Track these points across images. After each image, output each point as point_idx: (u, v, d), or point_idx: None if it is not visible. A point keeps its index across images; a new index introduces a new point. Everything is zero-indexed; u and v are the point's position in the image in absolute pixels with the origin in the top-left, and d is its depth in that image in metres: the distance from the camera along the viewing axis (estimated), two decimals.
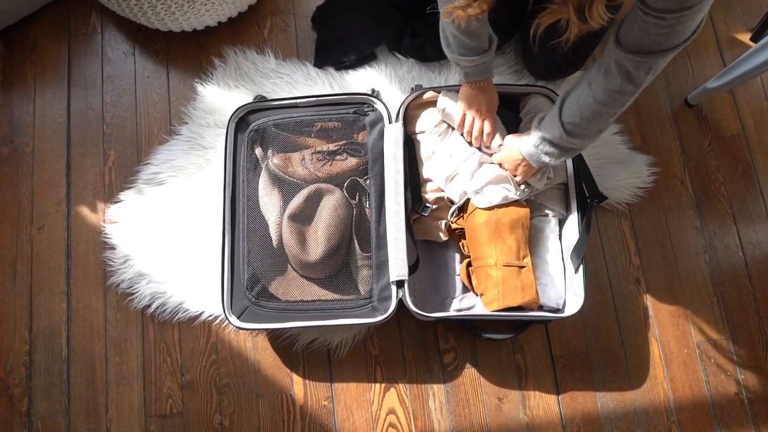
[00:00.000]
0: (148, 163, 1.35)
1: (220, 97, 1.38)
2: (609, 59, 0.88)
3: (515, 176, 1.14)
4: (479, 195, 1.16)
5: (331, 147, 1.25)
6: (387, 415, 1.21)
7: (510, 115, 1.26)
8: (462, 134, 1.20)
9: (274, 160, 1.23)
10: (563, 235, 1.20)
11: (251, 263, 1.18)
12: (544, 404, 1.22)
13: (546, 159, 1.05)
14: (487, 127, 1.16)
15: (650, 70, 0.85)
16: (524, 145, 1.09)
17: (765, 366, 1.26)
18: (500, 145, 1.16)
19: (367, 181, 1.23)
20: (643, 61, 0.83)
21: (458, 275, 1.22)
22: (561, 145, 1.02)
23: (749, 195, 1.37)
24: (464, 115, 1.17)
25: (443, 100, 1.20)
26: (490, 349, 1.25)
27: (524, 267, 1.14)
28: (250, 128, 1.26)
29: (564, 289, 1.16)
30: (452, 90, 1.22)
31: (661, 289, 1.30)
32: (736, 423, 1.23)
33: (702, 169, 1.38)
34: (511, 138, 1.15)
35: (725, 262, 1.32)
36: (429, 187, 1.23)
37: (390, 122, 1.24)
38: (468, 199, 1.19)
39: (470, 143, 1.20)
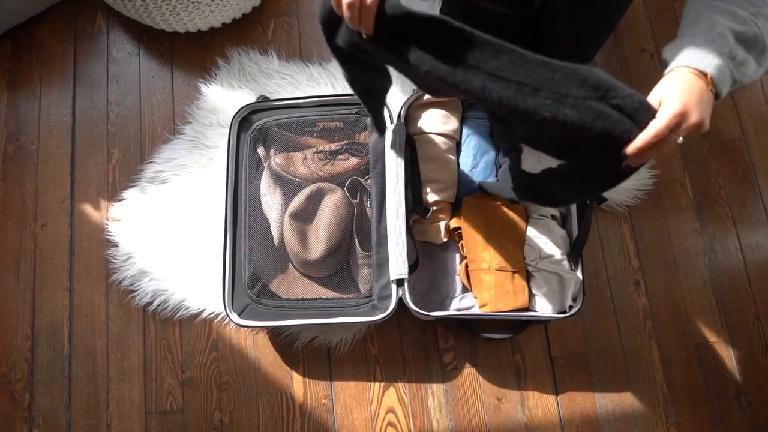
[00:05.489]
0: (151, 162, 1.36)
1: (223, 97, 1.39)
2: None
3: (686, 129, 0.66)
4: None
5: (333, 147, 1.26)
6: (386, 414, 1.21)
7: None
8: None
9: (276, 160, 1.24)
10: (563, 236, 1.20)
11: (252, 261, 1.19)
12: (542, 405, 1.22)
13: (737, 75, 0.68)
14: None
15: None
16: (705, 58, 0.66)
17: (764, 369, 1.26)
18: None
19: (368, 181, 1.24)
20: None
21: (458, 275, 1.23)
22: (750, 34, 0.67)
23: (749, 198, 1.37)
24: None
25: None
26: (489, 349, 1.25)
27: (517, 272, 1.15)
28: (252, 128, 1.27)
29: (564, 297, 1.15)
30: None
31: (661, 291, 1.30)
32: (735, 426, 1.23)
33: (702, 172, 1.39)
34: (665, 82, 0.69)
35: (725, 264, 1.33)
36: (429, 188, 1.23)
37: (391, 123, 1.25)
38: (464, 199, 1.20)
39: None
